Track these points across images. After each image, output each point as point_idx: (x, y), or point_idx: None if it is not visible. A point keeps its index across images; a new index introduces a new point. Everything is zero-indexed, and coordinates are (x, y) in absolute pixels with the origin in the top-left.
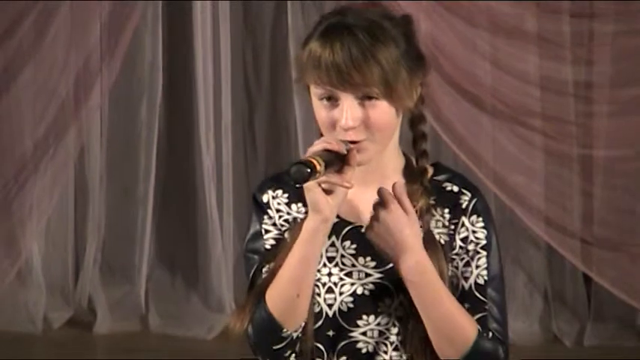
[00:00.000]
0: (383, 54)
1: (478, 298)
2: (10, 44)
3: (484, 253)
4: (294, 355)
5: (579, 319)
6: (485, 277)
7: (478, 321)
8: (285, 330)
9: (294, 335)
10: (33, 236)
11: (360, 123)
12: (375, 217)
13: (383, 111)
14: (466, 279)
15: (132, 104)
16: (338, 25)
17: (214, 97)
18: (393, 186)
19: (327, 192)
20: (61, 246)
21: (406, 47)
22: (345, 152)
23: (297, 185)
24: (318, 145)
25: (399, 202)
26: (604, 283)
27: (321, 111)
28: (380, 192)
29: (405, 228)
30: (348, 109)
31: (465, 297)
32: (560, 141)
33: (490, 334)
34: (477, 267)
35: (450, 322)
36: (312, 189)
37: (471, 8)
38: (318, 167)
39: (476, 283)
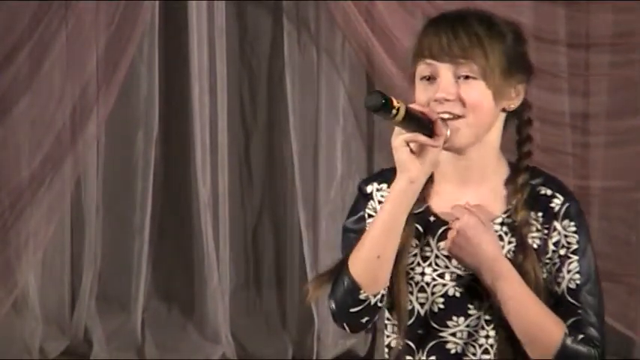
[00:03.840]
0: (487, 36)
1: (571, 302)
2: (6, 75)
3: (575, 257)
4: (370, 323)
5: None
6: (578, 282)
7: (572, 325)
8: (362, 291)
9: (373, 301)
10: (29, 267)
11: (456, 99)
12: (452, 231)
13: (479, 90)
14: (559, 284)
15: (128, 135)
16: (448, 14)
17: (210, 129)
18: (466, 203)
19: (417, 156)
20: (58, 276)
21: (513, 45)
22: (434, 119)
23: (371, 110)
24: (411, 104)
25: (470, 210)
26: None
27: (420, 91)
28: (454, 209)
29: (483, 235)
30: (445, 81)
31: (559, 301)
32: (556, 172)
33: (581, 336)
34: (569, 272)
35: (535, 324)
36: (399, 148)
37: None
38: (394, 103)
39: (568, 287)
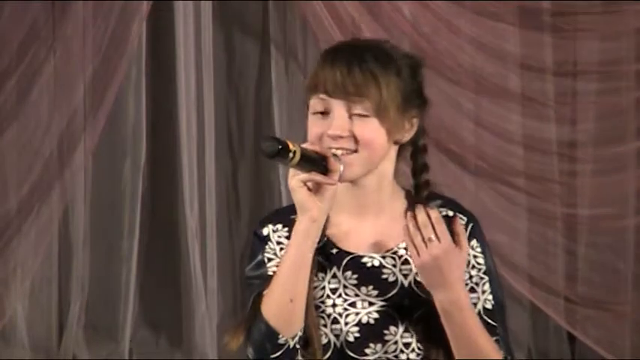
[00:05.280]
0: (382, 74)
1: (489, 323)
2: None
3: (487, 278)
4: None
5: None
6: (492, 302)
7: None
8: (281, 336)
9: (291, 344)
10: (17, 296)
11: (349, 135)
12: (424, 248)
13: (372, 127)
14: (474, 305)
15: (116, 163)
16: (343, 47)
17: (198, 157)
18: (454, 220)
19: (315, 194)
20: (45, 305)
21: (408, 79)
22: (327, 155)
23: (268, 157)
24: (303, 144)
25: (458, 239)
26: (588, 341)
27: (312, 125)
28: (453, 223)
29: (456, 269)
30: (338, 118)
31: None
32: (543, 200)
33: (505, 355)
34: (483, 292)
35: (479, 352)
36: (297, 189)
37: (455, 68)
38: (290, 147)
39: (484, 308)
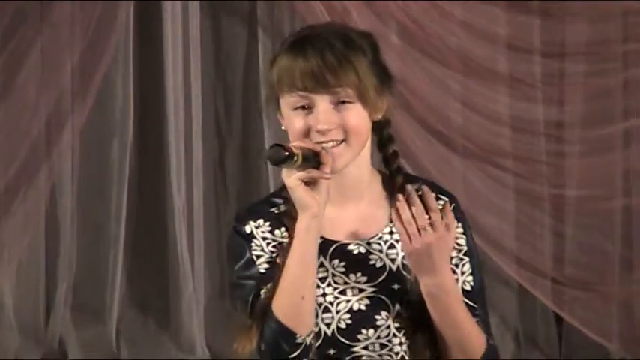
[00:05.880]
0: (354, 57)
1: (469, 304)
2: None
3: (467, 259)
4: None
5: None
6: (472, 283)
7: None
8: (298, 335)
9: (308, 340)
10: (4, 276)
11: (337, 127)
12: (417, 236)
13: (358, 114)
14: None
15: (103, 144)
16: (307, 36)
17: (185, 138)
18: (444, 206)
19: (311, 189)
20: (33, 286)
21: (373, 57)
22: (318, 151)
23: (275, 164)
24: (294, 144)
25: (447, 225)
26: (575, 322)
27: (295, 121)
28: (444, 209)
29: (446, 255)
30: (324, 112)
31: None
32: (531, 181)
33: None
34: (463, 273)
35: (464, 335)
36: (295, 188)
37: (442, 49)
38: (294, 150)
39: (464, 289)
